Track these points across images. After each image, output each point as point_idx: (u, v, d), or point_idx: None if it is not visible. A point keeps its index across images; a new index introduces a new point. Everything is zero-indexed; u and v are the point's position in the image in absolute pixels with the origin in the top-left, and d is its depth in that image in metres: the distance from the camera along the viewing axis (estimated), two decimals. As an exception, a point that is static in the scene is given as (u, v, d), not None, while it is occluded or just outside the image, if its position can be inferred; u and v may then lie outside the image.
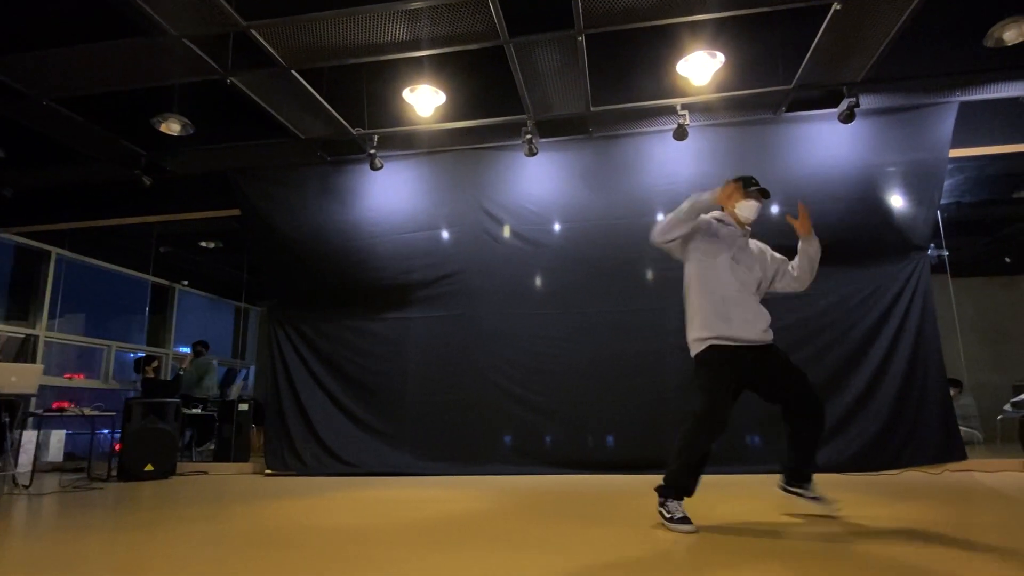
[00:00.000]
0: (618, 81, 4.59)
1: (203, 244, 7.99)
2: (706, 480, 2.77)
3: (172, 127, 4.92)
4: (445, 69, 4.35)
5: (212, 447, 6.53)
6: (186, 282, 9.15)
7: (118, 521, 3.15)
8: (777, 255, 3.00)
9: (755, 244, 2.97)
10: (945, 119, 4.83)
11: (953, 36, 4.11)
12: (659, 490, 2.72)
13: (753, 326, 2.75)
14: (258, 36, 3.96)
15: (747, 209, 2.87)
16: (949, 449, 4.54)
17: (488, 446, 5.18)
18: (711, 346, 2.74)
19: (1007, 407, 5.04)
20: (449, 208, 5.56)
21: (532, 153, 5.05)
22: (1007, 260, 8.15)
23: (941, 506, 3.07)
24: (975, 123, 4.93)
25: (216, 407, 6.56)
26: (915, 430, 4.59)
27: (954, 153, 4.93)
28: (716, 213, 2.94)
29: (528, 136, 4.93)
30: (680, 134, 4.77)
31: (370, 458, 5.31)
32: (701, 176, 5.11)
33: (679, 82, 4.48)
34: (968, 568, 1.92)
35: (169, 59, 4.17)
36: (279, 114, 4.88)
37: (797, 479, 2.87)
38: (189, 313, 9.37)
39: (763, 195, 2.88)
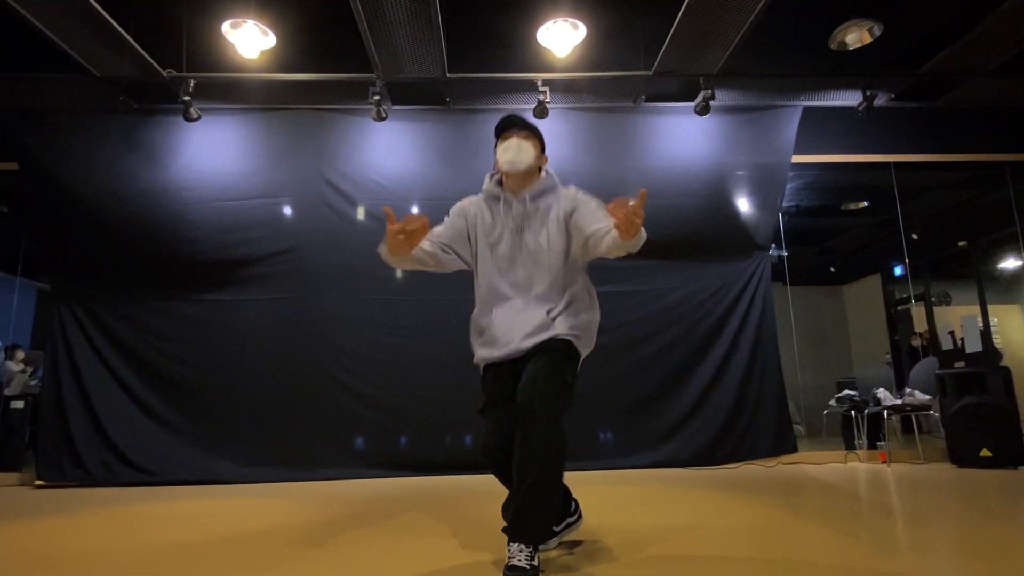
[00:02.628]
0: (477, 48, 4.24)
1: (-19, 208, 6.56)
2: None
3: (-94, 41, 3.81)
4: (276, 5, 3.72)
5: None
6: (-35, 256, 7.50)
7: None
8: (591, 218, 1.97)
9: (560, 205, 2.07)
10: (790, 122, 5.01)
11: (803, 37, 4.22)
12: None
13: (507, 335, 1.97)
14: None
15: (501, 153, 2.06)
16: (782, 443, 4.70)
17: (329, 448, 4.55)
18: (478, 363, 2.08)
19: (832, 402, 5.34)
20: (284, 175, 4.84)
21: (381, 117, 4.52)
22: (832, 270, 8.93)
23: (777, 496, 3.02)
24: (816, 130, 5.17)
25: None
26: (752, 425, 4.69)
27: (797, 159, 5.13)
28: (486, 184, 2.18)
29: (377, 97, 4.39)
30: (540, 112, 4.50)
31: (177, 465, 4.47)
32: (561, 160, 4.88)
33: (540, 53, 4.22)
34: (801, 549, 1.74)
35: None
36: (63, 40, 3.93)
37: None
38: (-29, 295, 7.72)
39: (511, 123, 2.09)
